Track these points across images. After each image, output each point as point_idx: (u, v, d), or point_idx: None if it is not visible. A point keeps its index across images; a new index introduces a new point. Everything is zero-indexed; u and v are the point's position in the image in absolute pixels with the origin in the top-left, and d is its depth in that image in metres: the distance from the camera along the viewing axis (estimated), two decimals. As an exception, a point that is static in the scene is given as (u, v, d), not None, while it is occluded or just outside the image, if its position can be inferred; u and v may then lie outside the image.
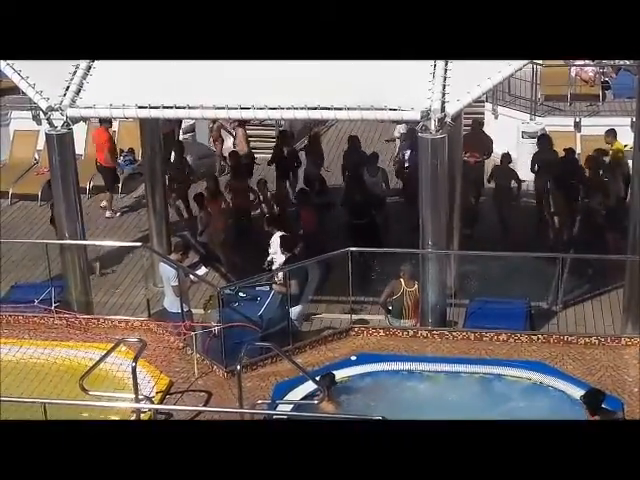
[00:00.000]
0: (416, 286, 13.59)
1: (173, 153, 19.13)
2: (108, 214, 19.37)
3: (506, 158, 18.04)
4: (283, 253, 14.76)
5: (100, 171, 19.59)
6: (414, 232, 13.31)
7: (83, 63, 13.47)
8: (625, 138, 18.13)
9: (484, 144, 18.73)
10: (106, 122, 19.16)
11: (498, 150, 18.73)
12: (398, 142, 20.46)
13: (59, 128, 13.33)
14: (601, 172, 17.54)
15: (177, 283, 13.54)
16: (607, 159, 17.95)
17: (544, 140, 18.49)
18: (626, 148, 18.14)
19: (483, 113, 20.99)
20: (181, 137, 21.42)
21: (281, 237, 15.10)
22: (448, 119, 12.51)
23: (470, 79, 12.64)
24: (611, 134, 18.44)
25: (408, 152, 18.96)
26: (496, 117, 21.03)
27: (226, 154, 20.39)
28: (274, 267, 14.91)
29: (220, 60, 11.18)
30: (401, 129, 20.21)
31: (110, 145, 19.45)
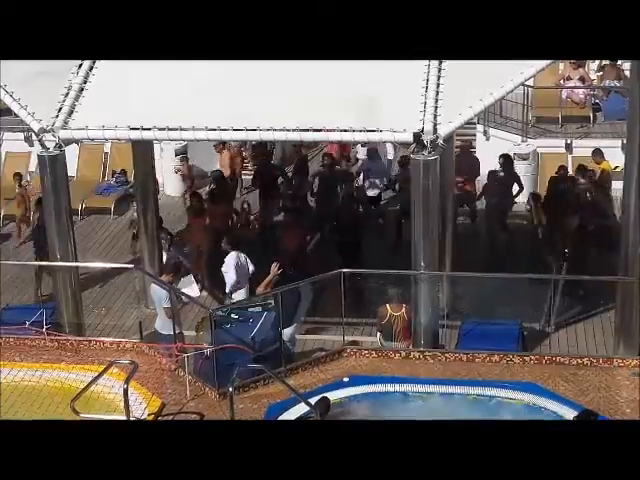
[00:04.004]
0: (404, 309, 13.57)
1: None
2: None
3: (492, 176, 18.05)
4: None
5: None
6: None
7: (75, 85, 13.52)
8: (615, 160, 18.24)
9: (473, 167, 18.84)
10: None
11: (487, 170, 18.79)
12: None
13: (51, 150, 13.36)
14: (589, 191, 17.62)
15: (169, 305, 13.52)
16: (594, 177, 18.06)
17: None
18: (617, 169, 18.23)
19: (475, 135, 21.06)
20: (173, 158, 21.35)
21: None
22: (440, 141, 12.55)
23: (462, 101, 12.71)
24: (598, 154, 18.55)
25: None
26: (487, 139, 21.06)
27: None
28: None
29: (217, 60, 11.07)
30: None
31: None
